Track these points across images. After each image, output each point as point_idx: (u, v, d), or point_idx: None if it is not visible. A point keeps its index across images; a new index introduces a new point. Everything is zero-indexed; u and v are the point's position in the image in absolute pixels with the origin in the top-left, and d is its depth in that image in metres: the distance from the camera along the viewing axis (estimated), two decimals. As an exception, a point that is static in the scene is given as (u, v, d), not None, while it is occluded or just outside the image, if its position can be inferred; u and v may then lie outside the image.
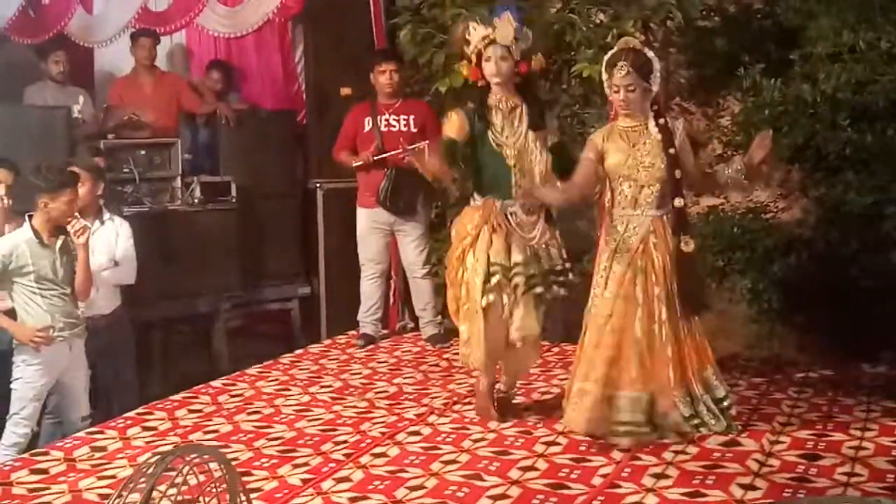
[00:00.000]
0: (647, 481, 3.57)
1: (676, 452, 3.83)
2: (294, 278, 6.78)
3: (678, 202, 3.89)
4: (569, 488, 3.54)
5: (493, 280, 4.09)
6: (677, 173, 3.87)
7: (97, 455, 4.01)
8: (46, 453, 4.05)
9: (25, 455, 4.09)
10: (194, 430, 4.36)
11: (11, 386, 4.33)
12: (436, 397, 4.77)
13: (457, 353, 5.00)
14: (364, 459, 3.88)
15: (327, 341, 6.15)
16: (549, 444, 4.00)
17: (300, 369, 5.43)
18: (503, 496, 3.48)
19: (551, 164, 4.16)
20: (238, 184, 6.40)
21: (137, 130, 6.26)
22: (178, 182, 6.31)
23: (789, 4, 5.28)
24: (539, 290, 4.15)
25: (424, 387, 4.99)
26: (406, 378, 5.18)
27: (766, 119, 4.84)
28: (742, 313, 5.21)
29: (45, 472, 3.83)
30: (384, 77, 5.75)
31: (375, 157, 5.72)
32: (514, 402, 4.56)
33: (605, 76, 3.93)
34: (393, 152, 5.69)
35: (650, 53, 3.91)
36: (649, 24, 5.26)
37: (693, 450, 3.87)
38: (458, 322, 4.27)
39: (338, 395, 4.86)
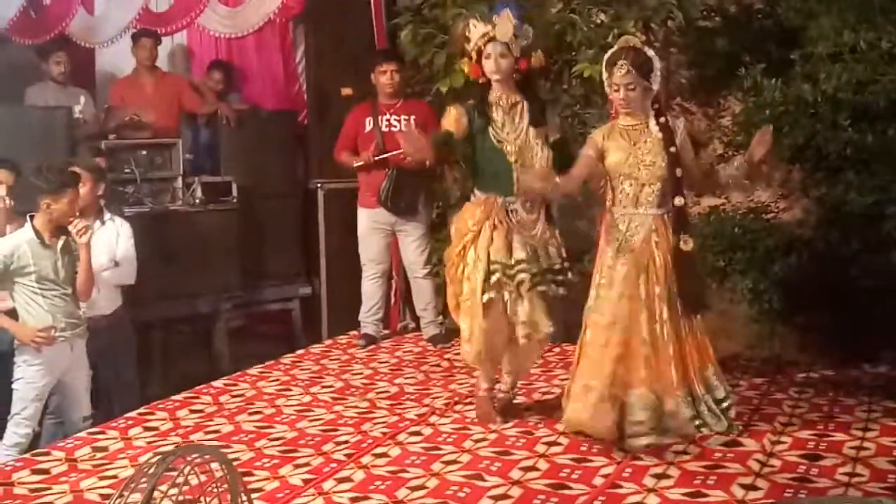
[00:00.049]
0: (649, 481, 3.57)
1: (677, 453, 3.83)
2: (295, 278, 6.79)
3: (678, 201, 3.88)
4: (570, 488, 3.54)
5: (494, 278, 4.10)
6: (678, 172, 3.87)
7: (98, 455, 4.02)
8: (48, 453, 4.05)
9: (27, 455, 4.09)
10: (195, 430, 4.36)
11: (13, 386, 4.34)
12: (437, 397, 4.77)
13: (458, 354, 5.02)
14: (365, 460, 3.89)
15: (328, 341, 6.15)
16: (550, 444, 4.01)
17: (301, 369, 5.43)
18: (504, 496, 3.49)
19: (552, 160, 4.16)
20: (239, 184, 6.40)
21: (138, 131, 6.26)
22: (180, 182, 6.31)
23: (790, 4, 5.27)
24: (542, 288, 4.15)
25: (426, 387, 4.99)
26: (407, 378, 5.18)
27: (767, 119, 4.83)
28: (743, 313, 5.21)
29: (46, 472, 3.84)
30: (385, 77, 5.76)
31: (376, 158, 5.72)
32: (515, 402, 4.56)
33: (605, 75, 3.93)
34: (394, 152, 5.69)
35: (650, 52, 3.90)
36: (650, 24, 5.26)
37: (694, 450, 3.87)
38: (458, 318, 4.26)
39: (339, 396, 4.86)
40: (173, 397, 4.83)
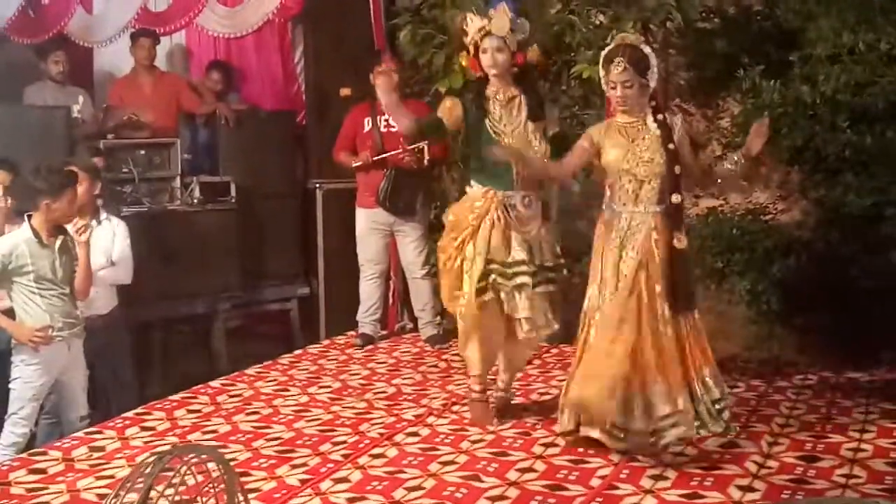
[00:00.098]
0: (646, 483, 3.58)
1: (675, 454, 3.83)
2: (293, 279, 6.78)
3: (675, 198, 3.86)
4: (567, 490, 3.54)
5: (490, 279, 4.09)
6: (676, 169, 3.86)
7: (95, 455, 4.01)
8: (45, 453, 4.05)
9: (24, 455, 4.09)
10: (193, 430, 4.36)
11: (10, 386, 4.33)
12: (434, 398, 4.77)
13: (455, 354, 5.02)
14: (362, 460, 3.88)
15: (326, 342, 6.16)
16: (547, 445, 4.00)
17: (299, 370, 5.43)
18: (501, 497, 3.48)
19: (550, 154, 4.17)
20: (237, 184, 6.39)
21: (137, 130, 6.25)
22: (178, 182, 6.30)
23: (789, 6, 5.27)
24: (542, 289, 4.15)
25: (423, 387, 4.99)
26: (405, 379, 5.18)
27: (766, 120, 4.83)
28: (741, 314, 5.21)
29: (43, 471, 3.83)
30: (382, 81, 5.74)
31: (375, 158, 5.73)
32: (513, 402, 4.56)
33: (602, 72, 3.92)
34: (392, 153, 5.70)
35: (647, 49, 3.89)
36: (649, 25, 5.26)
37: (691, 451, 3.87)
38: (451, 307, 4.25)
39: (336, 396, 4.86)
40: (171, 397, 4.83)
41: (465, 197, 4.32)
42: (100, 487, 3.63)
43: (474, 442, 4.08)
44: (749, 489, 3.50)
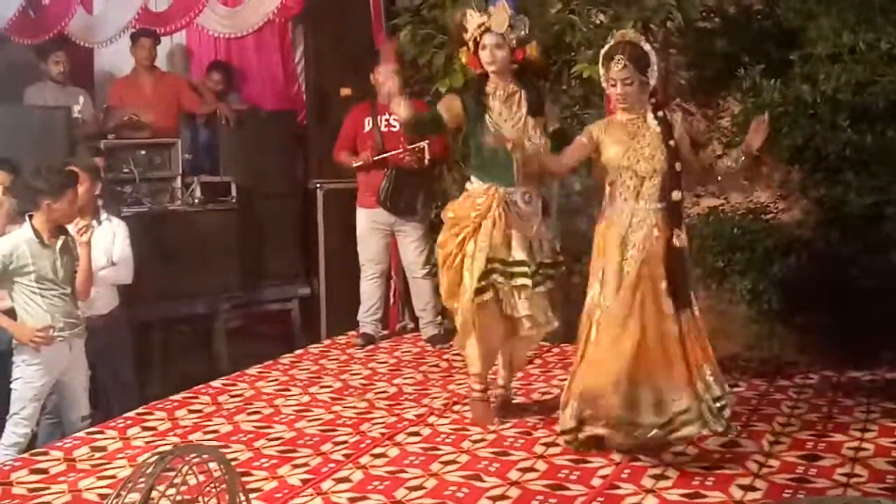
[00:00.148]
0: (647, 482, 3.57)
1: (676, 454, 3.83)
2: (294, 278, 6.79)
3: (676, 195, 3.86)
4: (568, 489, 3.54)
5: (491, 278, 4.10)
6: (677, 165, 3.85)
7: (97, 455, 4.01)
8: (46, 453, 4.05)
9: (25, 455, 4.09)
10: (194, 430, 4.36)
11: (11, 386, 4.33)
12: (435, 398, 4.77)
13: (457, 354, 5.01)
14: (364, 460, 3.88)
15: (327, 342, 6.16)
16: (548, 444, 4.00)
17: (300, 370, 5.43)
18: (503, 497, 3.48)
19: (551, 149, 4.17)
20: (238, 184, 6.40)
21: (137, 131, 6.26)
22: (178, 182, 6.31)
23: (789, 5, 5.27)
24: (541, 287, 4.16)
25: (424, 387, 4.99)
26: (406, 378, 5.18)
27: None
28: (742, 314, 5.20)
29: (44, 471, 3.83)
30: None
31: (375, 158, 5.73)
32: (514, 402, 4.56)
33: (601, 70, 3.92)
34: (393, 152, 5.70)
35: (647, 46, 3.87)
36: (649, 24, 5.26)
37: (693, 451, 3.87)
38: (451, 304, 4.25)
39: (337, 396, 4.86)
40: (172, 397, 4.83)
41: (466, 194, 4.32)
42: (101, 487, 3.64)
43: (475, 441, 4.08)
44: (750, 488, 3.50)
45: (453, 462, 3.83)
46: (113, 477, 3.72)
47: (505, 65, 4.20)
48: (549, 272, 4.24)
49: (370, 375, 5.27)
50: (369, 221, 5.87)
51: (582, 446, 3.88)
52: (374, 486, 3.61)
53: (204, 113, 6.74)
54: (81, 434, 4.30)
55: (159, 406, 4.70)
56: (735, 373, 4.92)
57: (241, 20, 6.88)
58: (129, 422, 4.45)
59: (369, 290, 5.96)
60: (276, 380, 5.20)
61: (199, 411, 4.63)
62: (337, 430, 4.28)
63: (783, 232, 5.19)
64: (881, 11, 4.90)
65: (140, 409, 4.63)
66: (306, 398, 4.84)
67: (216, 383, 5.11)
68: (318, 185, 6.61)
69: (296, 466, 3.83)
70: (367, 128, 5.83)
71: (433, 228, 5.96)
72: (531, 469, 3.74)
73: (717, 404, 3.81)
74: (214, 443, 4.11)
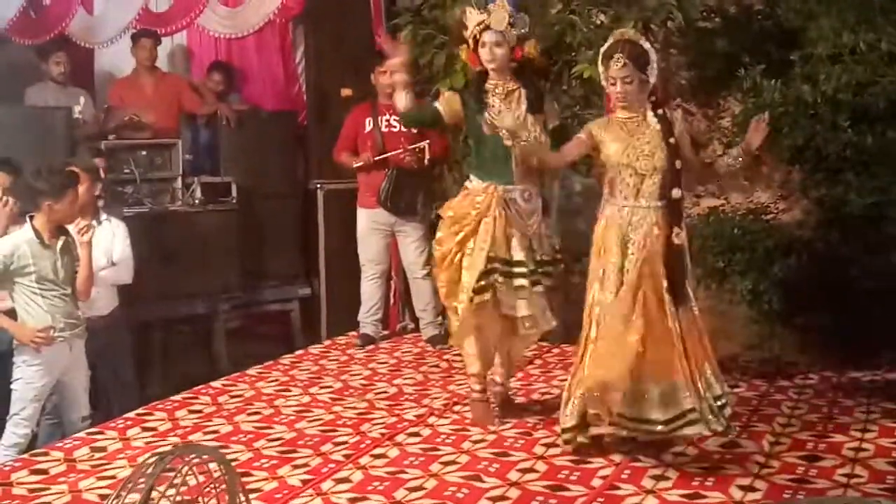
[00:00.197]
0: (647, 483, 3.58)
1: (676, 454, 3.83)
2: (294, 279, 6.79)
3: (676, 193, 3.85)
4: (568, 490, 3.54)
5: (491, 278, 4.09)
6: (677, 163, 3.84)
7: (97, 455, 4.02)
8: (46, 454, 4.05)
9: (25, 455, 4.09)
10: (194, 430, 4.36)
11: (12, 386, 4.33)
12: (436, 398, 4.77)
13: (457, 355, 5.01)
14: (364, 460, 3.88)
15: (327, 342, 6.16)
16: (548, 445, 4.00)
17: (300, 370, 5.43)
18: (502, 498, 3.48)
19: (550, 147, 4.17)
20: (239, 184, 6.40)
21: (138, 131, 6.26)
22: (179, 183, 6.32)
23: (790, 5, 5.27)
24: (539, 287, 4.16)
25: (424, 388, 4.99)
26: (406, 379, 5.18)
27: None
28: (742, 314, 5.20)
29: (45, 472, 3.83)
30: (385, 78, 5.75)
31: (376, 158, 5.73)
32: (514, 402, 4.55)
33: (601, 68, 3.91)
34: (393, 153, 5.70)
35: (646, 45, 3.87)
36: (650, 25, 5.25)
37: (693, 451, 3.86)
38: (449, 303, 4.24)
39: (338, 396, 4.86)
40: (172, 398, 4.83)
41: (465, 192, 4.32)
42: (101, 488, 3.64)
43: (475, 442, 4.08)
44: (750, 489, 3.50)
45: (453, 462, 3.83)
46: (113, 477, 3.72)
47: (504, 63, 4.20)
48: (547, 270, 4.24)
49: (370, 376, 5.27)
50: (370, 222, 5.87)
51: (582, 446, 3.88)
52: (374, 486, 3.61)
53: (204, 113, 6.74)
54: (82, 434, 4.30)
55: (159, 406, 4.70)
56: (735, 373, 4.92)
57: (241, 21, 6.88)
58: (129, 422, 4.46)
59: (370, 290, 5.96)
60: (277, 380, 5.20)
61: (200, 412, 4.63)
62: (337, 431, 4.28)
63: (783, 232, 5.18)
64: (881, 12, 4.89)
65: (140, 410, 4.63)
66: (306, 398, 4.84)
67: (216, 384, 5.11)
68: (319, 186, 6.61)
69: (296, 467, 3.83)
70: (368, 128, 5.83)
71: (433, 229, 5.97)
72: (531, 470, 3.74)
73: (718, 403, 3.80)
74: (214, 443, 4.11)
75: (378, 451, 3.99)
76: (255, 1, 6.76)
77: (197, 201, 6.23)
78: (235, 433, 4.29)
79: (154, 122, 6.34)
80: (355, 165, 5.83)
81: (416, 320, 6.20)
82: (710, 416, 3.84)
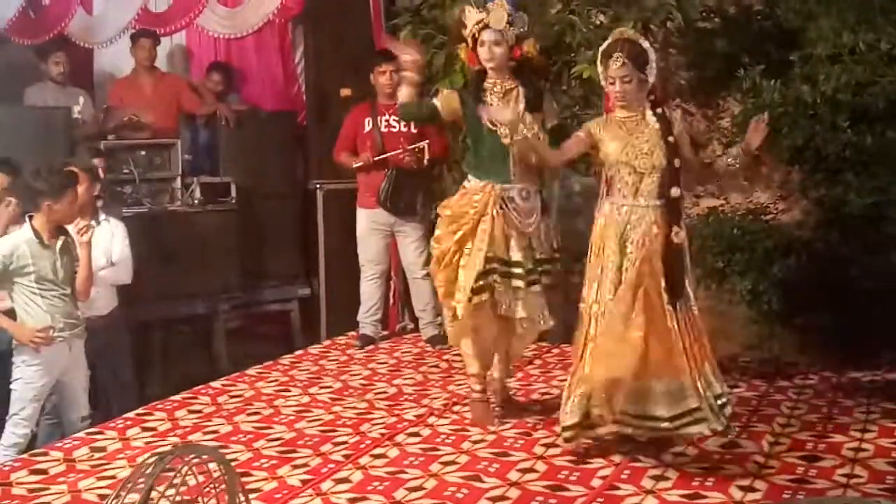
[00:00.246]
0: (647, 483, 3.57)
1: (676, 454, 3.83)
2: (294, 279, 6.78)
3: (675, 192, 3.85)
4: (568, 490, 3.54)
5: (489, 279, 4.09)
6: (676, 162, 3.84)
7: (97, 455, 4.01)
8: (46, 454, 4.05)
9: (25, 455, 4.09)
10: (194, 430, 4.36)
11: (11, 386, 4.33)
12: (435, 398, 4.77)
13: (457, 355, 5.01)
14: (363, 460, 3.88)
15: (327, 342, 6.16)
16: (548, 445, 4.00)
17: (300, 370, 5.43)
18: (502, 498, 3.48)
19: (548, 145, 4.17)
20: (238, 185, 6.40)
21: (137, 131, 6.26)
22: (178, 183, 6.32)
23: (789, 6, 5.27)
24: (537, 287, 4.16)
25: (424, 388, 4.99)
26: (406, 379, 5.18)
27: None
28: (742, 315, 5.20)
29: (44, 472, 3.83)
30: (384, 78, 5.76)
31: (375, 158, 5.72)
32: (515, 401, 4.56)
33: (600, 68, 3.91)
34: (393, 153, 5.70)
35: (645, 44, 3.87)
36: (649, 25, 5.26)
37: (692, 451, 3.86)
38: (447, 302, 4.23)
39: (337, 396, 4.86)
40: (172, 398, 4.83)
41: (462, 191, 4.32)
42: (101, 488, 3.64)
43: (475, 442, 4.08)
44: (750, 489, 3.50)
45: (453, 463, 3.83)
46: (112, 477, 3.72)
47: (503, 61, 4.20)
48: (546, 268, 4.25)
49: (370, 376, 5.26)
50: (369, 222, 5.87)
51: (583, 445, 3.87)
52: (373, 486, 3.61)
53: (204, 113, 6.74)
54: (81, 434, 4.30)
55: (159, 406, 4.70)
56: (735, 373, 4.92)
57: (240, 21, 6.88)
58: (128, 422, 4.45)
59: (369, 290, 5.95)
60: (276, 380, 5.20)
61: (199, 412, 4.63)
62: (337, 431, 4.28)
63: (783, 232, 5.18)
64: (881, 12, 4.89)
65: (140, 410, 4.63)
66: (306, 399, 4.84)
67: (216, 384, 5.11)
68: (318, 186, 6.61)
69: (295, 467, 3.82)
70: (367, 128, 5.82)
71: (433, 229, 5.97)
72: (531, 470, 3.74)
73: (719, 402, 3.79)
74: (214, 443, 4.10)
75: (378, 451, 3.99)
76: (255, 1, 6.76)
77: (196, 201, 6.23)
78: (235, 433, 4.29)
79: (153, 123, 6.34)
80: (355, 165, 5.82)
81: (415, 320, 6.20)
82: (711, 416, 3.84)
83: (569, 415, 3.84)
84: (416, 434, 4.21)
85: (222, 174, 6.49)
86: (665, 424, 3.72)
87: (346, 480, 3.67)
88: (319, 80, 6.88)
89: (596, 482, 3.60)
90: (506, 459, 3.86)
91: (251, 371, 5.38)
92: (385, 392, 4.93)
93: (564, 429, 3.87)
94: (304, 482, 3.66)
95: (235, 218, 6.33)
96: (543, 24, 5.34)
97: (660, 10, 5.24)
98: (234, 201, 6.36)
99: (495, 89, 4.23)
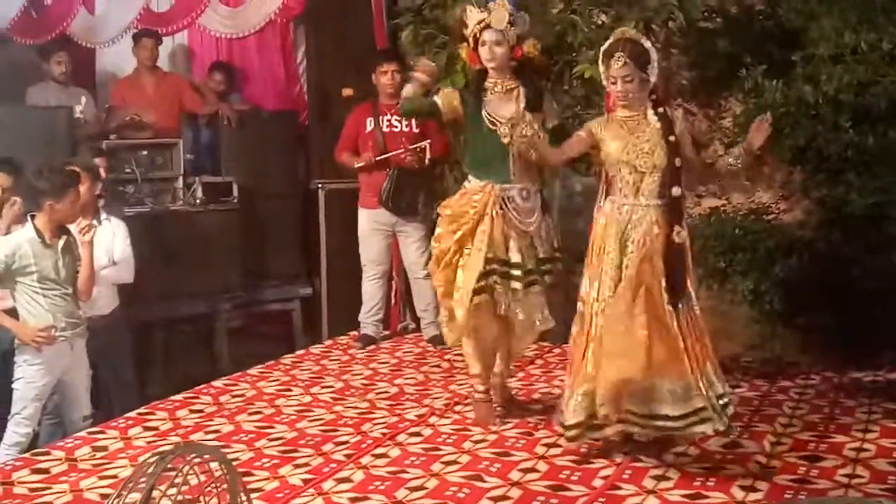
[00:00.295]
0: (648, 483, 3.57)
1: (677, 454, 3.83)
2: (295, 279, 6.79)
3: (676, 191, 3.84)
4: (570, 490, 3.54)
5: (489, 280, 4.09)
6: (677, 161, 3.84)
7: (98, 455, 4.02)
8: (48, 453, 4.06)
9: (27, 455, 4.09)
10: (196, 430, 4.36)
11: (13, 386, 4.33)
12: (437, 398, 4.77)
13: (458, 355, 5.01)
14: (365, 460, 3.88)
15: (328, 342, 6.16)
16: (549, 445, 4.00)
17: (301, 370, 5.43)
18: (504, 497, 3.48)
19: (549, 144, 4.17)
20: (240, 184, 6.41)
21: (139, 131, 6.27)
22: (180, 182, 6.33)
23: (791, 6, 5.26)
24: (537, 287, 4.16)
25: (425, 388, 4.99)
26: (407, 379, 5.18)
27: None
28: (744, 314, 5.20)
29: (46, 471, 3.84)
30: (386, 77, 5.76)
31: (377, 158, 5.73)
32: (517, 400, 4.56)
33: (602, 67, 3.91)
34: (395, 153, 5.70)
35: (647, 43, 3.87)
36: (651, 25, 5.25)
37: (694, 451, 3.86)
38: (447, 302, 4.22)
39: (339, 396, 4.86)
40: (173, 397, 4.84)
41: (462, 191, 4.32)
42: (102, 487, 3.64)
43: (477, 442, 4.08)
44: (752, 489, 3.50)
45: (454, 462, 3.83)
46: (114, 477, 3.72)
47: (504, 61, 4.21)
48: (548, 268, 4.25)
49: (371, 376, 5.27)
50: (371, 222, 5.87)
51: (586, 444, 3.87)
52: (375, 486, 3.61)
53: (206, 113, 6.75)
54: (83, 434, 4.30)
55: (161, 406, 4.70)
56: (737, 373, 4.92)
57: (242, 20, 6.89)
58: (130, 422, 4.46)
59: (371, 290, 5.96)
60: (278, 380, 5.21)
61: (201, 411, 4.63)
62: (338, 431, 4.28)
63: (785, 232, 5.18)
64: (883, 12, 4.89)
65: (141, 409, 4.63)
66: (308, 398, 4.84)
67: (217, 383, 5.11)
68: (320, 186, 6.61)
69: (297, 466, 3.83)
70: (369, 128, 5.83)
71: (434, 229, 5.97)
72: (532, 470, 3.74)
73: (721, 402, 3.78)
74: (216, 443, 4.11)
75: (379, 450, 3.99)
76: (257, 1, 6.77)
77: (198, 201, 6.24)
78: (237, 433, 4.29)
79: (155, 122, 6.35)
80: (356, 165, 5.83)
81: (417, 320, 6.20)
82: (713, 415, 3.84)
83: (572, 414, 3.82)
84: (418, 434, 4.21)
85: (224, 174, 6.50)
86: (672, 424, 3.71)
87: (347, 480, 3.67)
88: (321, 80, 6.89)
89: (597, 482, 3.60)
90: (507, 459, 3.86)
91: (253, 371, 5.38)
92: (386, 392, 4.93)
93: (567, 428, 3.84)
94: (305, 482, 3.66)
95: (237, 217, 6.34)
96: (545, 23, 5.33)
97: (661, 9, 5.23)
98: (235, 201, 6.36)
99: (496, 89, 4.24)
